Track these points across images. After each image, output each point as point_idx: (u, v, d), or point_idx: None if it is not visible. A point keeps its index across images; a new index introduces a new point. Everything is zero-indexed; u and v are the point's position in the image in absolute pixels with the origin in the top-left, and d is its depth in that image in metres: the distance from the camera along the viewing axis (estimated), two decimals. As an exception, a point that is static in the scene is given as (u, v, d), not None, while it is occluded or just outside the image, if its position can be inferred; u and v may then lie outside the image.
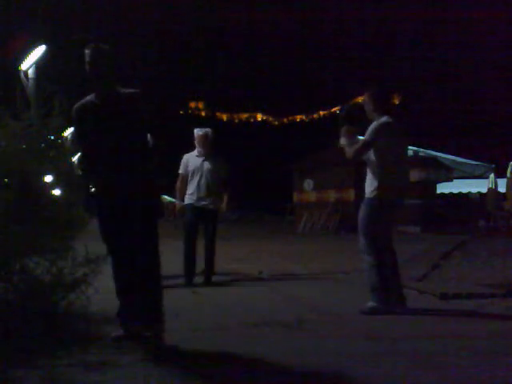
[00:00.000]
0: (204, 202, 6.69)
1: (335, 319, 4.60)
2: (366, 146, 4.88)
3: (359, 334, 4.08)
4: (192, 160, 6.86)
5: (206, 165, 6.78)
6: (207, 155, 6.82)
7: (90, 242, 4.38)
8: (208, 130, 6.95)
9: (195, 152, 6.90)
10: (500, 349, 3.64)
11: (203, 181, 6.73)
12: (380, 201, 4.84)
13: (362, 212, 4.93)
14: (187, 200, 6.78)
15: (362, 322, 4.44)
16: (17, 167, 3.99)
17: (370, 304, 4.77)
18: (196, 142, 6.88)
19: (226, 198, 7.02)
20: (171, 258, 6.61)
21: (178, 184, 6.89)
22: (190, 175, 6.80)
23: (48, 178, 4.44)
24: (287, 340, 3.93)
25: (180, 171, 6.92)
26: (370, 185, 4.92)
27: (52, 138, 4.54)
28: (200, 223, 6.75)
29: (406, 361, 3.38)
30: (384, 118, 4.88)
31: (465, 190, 21.65)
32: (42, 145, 4.38)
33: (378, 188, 4.85)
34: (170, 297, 5.78)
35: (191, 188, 6.76)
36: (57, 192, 4.69)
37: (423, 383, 3.00)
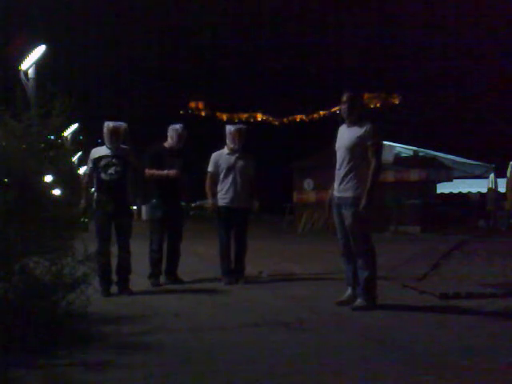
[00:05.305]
0: (239, 202, 6.54)
1: (335, 319, 4.60)
2: (381, 147, 5.07)
3: (359, 334, 4.08)
4: (224, 158, 6.65)
5: (240, 163, 6.62)
6: (239, 153, 6.65)
7: (90, 242, 4.38)
8: (241, 125, 6.83)
9: (225, 150, 6.70)
10: (500, 349, 3.64)
11: (237, 179, 6.56)
12: (369, 200, 4.87)
13: (354, 215, 4.90)
14: (221, 202, 6.59)
15: (362, 322, 4.44)
16: (17, 167, 3.99)
17: (361, 301, 4.91)
18: (228, 139, 6.65)
19: (257, 196, 6.75)
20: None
21: (208, 183, 6.67)
22: (222, 174, 6.60)
23: (48, 178, 4.44)
24: (287, 340, 3.92)
25: (209, 169, 6.69)
26: (356, 185, 4.92)
27: (52, 137, 4.54)
28: (232, 223, 6.62)
29: (406, 361, 3.38)
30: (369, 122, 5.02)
31: (465, 190, 21.62)
32: (42, 145, 4.38)
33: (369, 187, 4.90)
34: (169, 297, 5.80)
35: (224, 187, 6.59)
36: (57, 192, 4.69)
37: (423, 383, 3.00)
